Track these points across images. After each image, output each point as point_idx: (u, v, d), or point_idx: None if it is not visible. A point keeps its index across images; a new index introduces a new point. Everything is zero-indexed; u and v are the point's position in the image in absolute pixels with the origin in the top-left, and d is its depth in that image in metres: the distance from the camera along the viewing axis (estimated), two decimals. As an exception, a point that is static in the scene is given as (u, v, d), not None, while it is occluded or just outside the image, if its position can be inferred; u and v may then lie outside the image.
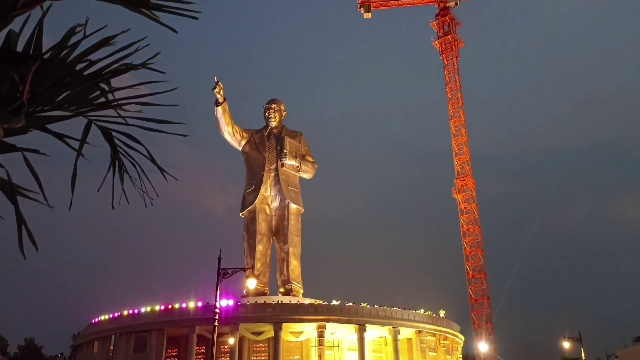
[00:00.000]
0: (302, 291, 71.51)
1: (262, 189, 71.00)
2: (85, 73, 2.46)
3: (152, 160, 2.94)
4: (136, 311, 62.33)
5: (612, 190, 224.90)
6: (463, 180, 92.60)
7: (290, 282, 69.21)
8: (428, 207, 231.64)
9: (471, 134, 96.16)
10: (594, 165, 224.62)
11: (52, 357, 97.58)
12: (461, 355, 77.35)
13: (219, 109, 65.74)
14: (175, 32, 2.67)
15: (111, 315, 64.39)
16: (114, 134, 2.90)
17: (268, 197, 71.54)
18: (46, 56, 2.31)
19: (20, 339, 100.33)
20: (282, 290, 70.46)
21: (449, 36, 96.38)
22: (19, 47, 2.28)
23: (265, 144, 71.47)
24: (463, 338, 78.16)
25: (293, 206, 71.28)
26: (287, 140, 70.14)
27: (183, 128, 3.26)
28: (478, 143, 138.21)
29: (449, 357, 70.26)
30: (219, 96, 64.74)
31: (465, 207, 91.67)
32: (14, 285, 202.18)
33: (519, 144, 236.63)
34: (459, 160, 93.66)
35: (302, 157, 72.25)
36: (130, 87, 2.82)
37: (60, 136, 2.59)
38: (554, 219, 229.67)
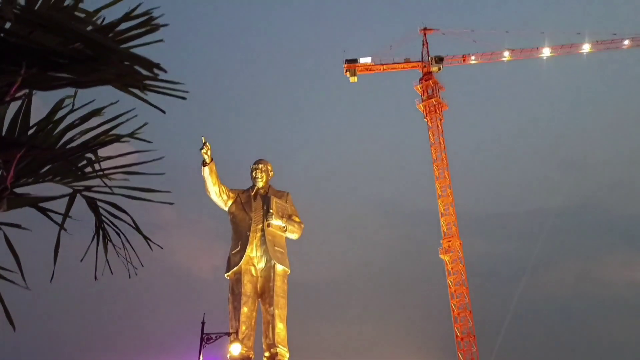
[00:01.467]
0: (287, 355, 69.41)
1: (248, 250, 70.07)
2: (72, 145, 2.46)
3: (138, 230, 2.90)
4: (115, 376, 60.08)
5: (598, 251, 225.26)
6: (449, 241, 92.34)
7: (276, 346, 67.14)
8: (415, 268, 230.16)
9: (456, 195, 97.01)
10: (578, 225, 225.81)
11: None
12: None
13: (206, 169, 65.73)
14: (164, 112, 2.70)
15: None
16: (99, 203, 2.87)
17: (254, 258, 70.51)
18: (32, 130, 2.31)
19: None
20: (267, 354, 68.27)
21: (433, 99, 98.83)
22: (7, 120, 2.28)
23: (252, 204, 71.19)
24: (453, 404, 75.94)
25: (279, 267, 70.14)
26: (274, 200, 69.97)
27: (169, 196, 3.23)
28: (463, 203, 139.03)
29: None
30: (206, 157, 64.89)
31: (452, 268, 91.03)
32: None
33: (503, 204, 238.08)
34: (445, 221, 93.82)
35: (289, 218, 72.04)
36: (117, 157, 2.82)
37: (43, 211, 2.55)
38: (540, 279, 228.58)
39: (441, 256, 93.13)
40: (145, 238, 3.04)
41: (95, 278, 2.92)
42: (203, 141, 70.01)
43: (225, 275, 78.25)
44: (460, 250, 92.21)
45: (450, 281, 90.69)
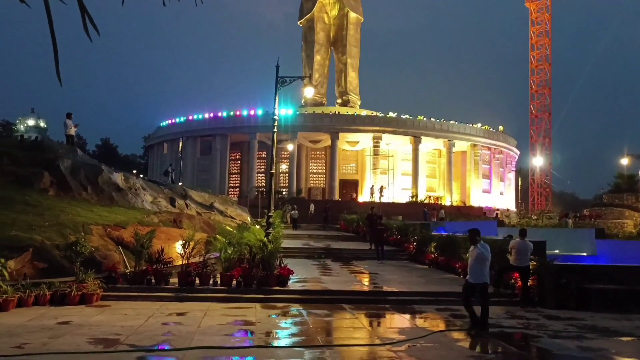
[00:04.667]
0: (359, 103, 71.91)
1: (321, -4, 67.79)
2: None
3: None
4: (201, 117, 65.30)
5: None
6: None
7: (348, 94, 69.37)
8: (494, 18, 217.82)
9: None
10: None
11: (126, 156, 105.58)
12: (514, 169, 78.65)
13: None
14: None
15: (179, 120, 67.92)
16: None
17: (327, 5, 68.56)
18: None
19: (97, 139, 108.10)
20: (339, 101, 71.08)
21: None
22: None
23: (325, -55, 66.40)
24: (518, 152, 78.71)
25: (352, 15, 68.41)
26: (348, -59, 64.76)
27: None
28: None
29: (501, 170, 71.66)
30: None
31: (537, 18, 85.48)
32: (86, 86, 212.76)
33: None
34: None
35: (364, -41, 67.19)
36: None
37: None
38: (629, 33, 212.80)
39: (527, 4, 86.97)
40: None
41: (164, 4, 2.95)
42: None
43: (298, 22, 78.46)
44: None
45: (533, 32, 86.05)
